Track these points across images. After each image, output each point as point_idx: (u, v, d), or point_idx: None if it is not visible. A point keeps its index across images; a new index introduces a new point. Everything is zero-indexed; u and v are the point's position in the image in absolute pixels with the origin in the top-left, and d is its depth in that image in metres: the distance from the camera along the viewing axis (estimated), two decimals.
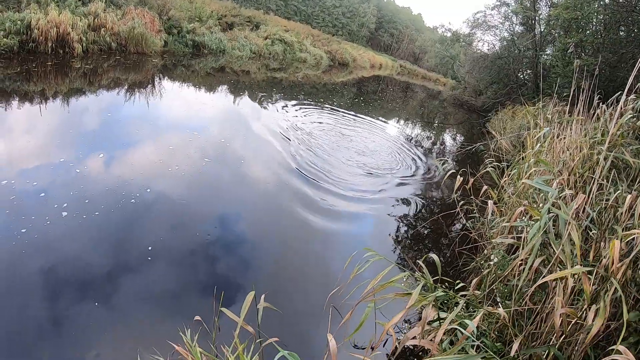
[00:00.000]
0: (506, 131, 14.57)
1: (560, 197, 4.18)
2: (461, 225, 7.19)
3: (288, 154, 9.60)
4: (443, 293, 2.89)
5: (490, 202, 5.18)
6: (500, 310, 3.03)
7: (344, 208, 7.56)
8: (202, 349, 3.68)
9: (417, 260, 3.35)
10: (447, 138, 18.52)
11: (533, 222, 4.09)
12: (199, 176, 7.47)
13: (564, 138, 5.85)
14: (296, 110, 14.54)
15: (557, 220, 3.85)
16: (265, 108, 14.18)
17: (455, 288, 4.03)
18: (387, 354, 4.69)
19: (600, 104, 6.13)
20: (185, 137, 9.33)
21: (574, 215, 3.60)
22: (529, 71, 24.95)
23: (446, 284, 3.88)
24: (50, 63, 12.73)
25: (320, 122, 13.59)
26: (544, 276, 3.34)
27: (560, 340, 3.34)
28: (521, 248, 3.72)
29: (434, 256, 3.19)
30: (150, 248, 5.28)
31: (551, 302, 3.76)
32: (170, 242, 5.51)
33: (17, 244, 4.85)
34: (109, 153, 7.48)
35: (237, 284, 5.19)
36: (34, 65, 12.19)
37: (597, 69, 7.04)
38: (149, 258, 5.13)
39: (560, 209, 3.55)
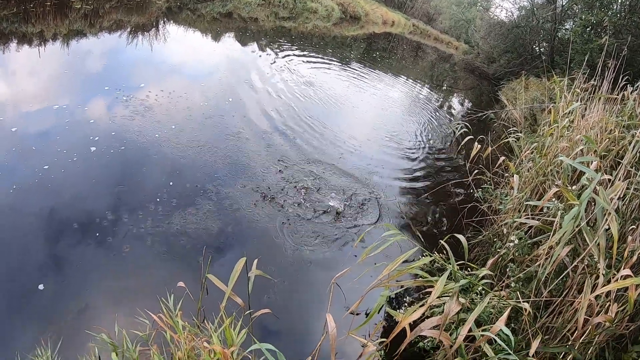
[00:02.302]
0: (518, 102, 14.09)
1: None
2: (470, 194, 6.79)
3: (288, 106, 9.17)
4: (466, 280, 2.50)
5: (515, 176, 4.81)
6: (525, 305, 2.66)
7: (345, 161, 7.36)
8: (187, 318, 3.36)
9: (440, 240, 2.94)
10: (456, 102, 18.03)
11: (561, 205, 3.72)
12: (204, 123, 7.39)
13: (590, 116, 5.46)
14: (303, 62, 14.00)
15: (590, 207, 3.48)
16: (271, 57, 13.60)
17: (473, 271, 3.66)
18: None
19: (628, 85, 5.78)
20: (193, 83, 9.13)
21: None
22: (545, 44, 24.12)
23: (469, 269, 3.51)
24: (49, 3, 12.03)
25: (327, 74, 13.10)
26: (600, 284, 2.96)
27: (580, 340, 3.01)
28: (552, 234, 3.34)
29: (461, 237, 2.78)
30: (171, 183, 5.59)
31: (569, 293, 3.44)
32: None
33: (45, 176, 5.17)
34: (112, 94, 7.49)
35: (231, 247, 4.89)
36: (31, 5, 11.50)
37: (626, 49, 6.64)
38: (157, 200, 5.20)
39: (597, 194, 3.16)
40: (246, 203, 5.65)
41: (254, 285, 3.22)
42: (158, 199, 5.20)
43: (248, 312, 3.28)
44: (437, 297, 2.29)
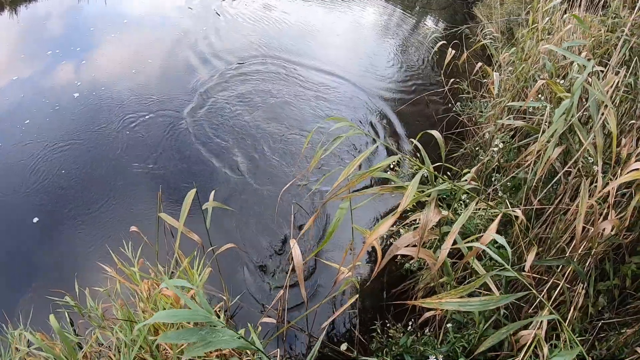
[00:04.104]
0: (494, 17, 13.57)
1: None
2: (447, 106, 6.41)
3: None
4: (447, 186, 2.11)
5: (495, 74, 4.44)
6: (518, 212, 2.34)
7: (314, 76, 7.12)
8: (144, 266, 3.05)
9: (411, 139, 2.52)
10: (430, 22, 17.45)
11: (549, 105, 3.36)
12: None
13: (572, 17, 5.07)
14: None
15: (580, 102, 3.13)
16: None
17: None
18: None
19: None
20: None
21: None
22: None
23: (448, 172, 3.18)
24: None
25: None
26: (599, 188, 2.63)
27: (579, 252, 2.72)
28: (540, 134, 3.00)
29: (436, 133, 2.38)
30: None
31: (562, 201, 3.15)
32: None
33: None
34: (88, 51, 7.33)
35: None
36: None
37: None
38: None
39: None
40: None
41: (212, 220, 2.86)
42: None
43: (210, 249, 2.96)
44: (410, 205, 1.93)
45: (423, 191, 1.97)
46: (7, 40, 7.46)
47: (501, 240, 1.85)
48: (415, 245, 2.09)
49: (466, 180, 2.56)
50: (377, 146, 3.71)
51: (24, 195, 4.55)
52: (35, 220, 4.31)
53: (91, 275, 3.65)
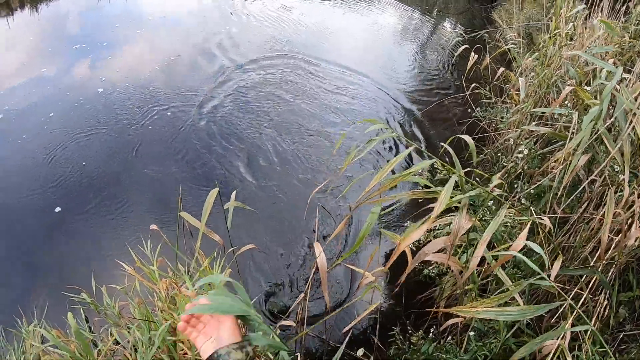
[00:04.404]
0: (514, 22, 13.48)
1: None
2: (468, 111, 6.35)
3: None
4: (477, 190, 2.07)
5: (520, 79, 4.39)
6: (546, 220, 2.30)
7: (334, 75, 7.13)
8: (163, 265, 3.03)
9: (442, 144, 2.47)
10: (448, 26, 17.37)
11: (574, 111, 3.32)
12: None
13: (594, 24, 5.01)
14: None
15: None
16: None
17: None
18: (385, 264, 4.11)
19: None
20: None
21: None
22: None
23: (477, 178, 3.15)
24: None
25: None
26: (625, 196, 2.58)
27: (603, 261, 2.67)
28: (567, 141, 2.95)
29: (467, 138, 2.33)
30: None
31: (586, 210, 3.10)
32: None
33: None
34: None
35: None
36: None
37: None
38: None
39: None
40: None
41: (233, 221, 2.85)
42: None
43: (231, 249, 2.95)
44: (441, 212, 1.90)
45: (452, 196, 1.95)
46: (33, 35, 7.57)
47: (537, 248, 1.82)
48: (439, 251, 2.07)
49: (490, 186, 2.53)
50: (410, 150, 3.74)
51: (44, 186, 4.57)
52: (58, 209, 4.34)
53: (108, 272, 3.64)
